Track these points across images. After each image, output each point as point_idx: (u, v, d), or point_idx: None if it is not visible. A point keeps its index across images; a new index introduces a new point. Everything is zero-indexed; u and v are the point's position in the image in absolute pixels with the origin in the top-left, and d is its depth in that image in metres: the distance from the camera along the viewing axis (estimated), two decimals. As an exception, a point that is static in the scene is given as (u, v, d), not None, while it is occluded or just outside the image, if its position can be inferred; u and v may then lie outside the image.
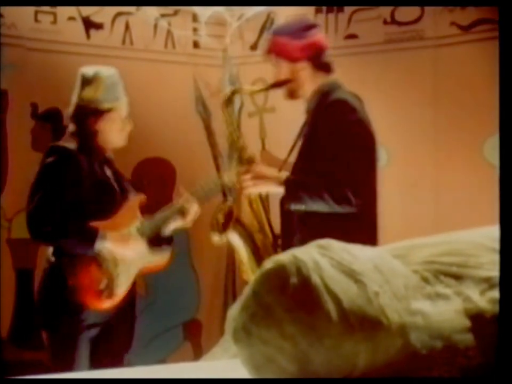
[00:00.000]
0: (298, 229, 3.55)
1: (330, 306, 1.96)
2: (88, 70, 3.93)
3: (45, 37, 5.40)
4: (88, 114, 3.87)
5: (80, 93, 3.90)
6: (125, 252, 3.83)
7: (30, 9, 5.34)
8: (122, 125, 3.95)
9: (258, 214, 3.69)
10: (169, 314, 5.78)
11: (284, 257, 2.06)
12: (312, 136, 3.60)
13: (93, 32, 5.58)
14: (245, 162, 3.65)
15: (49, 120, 5.41)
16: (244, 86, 3.89)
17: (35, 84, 5.33)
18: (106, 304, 3.81)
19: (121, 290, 3.85)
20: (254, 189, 3.62)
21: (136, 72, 5.66)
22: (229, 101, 3.73)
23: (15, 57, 5.24)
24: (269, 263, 2.06)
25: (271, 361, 1.98)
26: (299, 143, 3.69)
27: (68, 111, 3.95)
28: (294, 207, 3.55)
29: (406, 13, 5.51)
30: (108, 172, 3.93)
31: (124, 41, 5.69)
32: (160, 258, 3.96)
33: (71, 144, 3.86)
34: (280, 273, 2.01)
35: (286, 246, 3.45)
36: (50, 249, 3.85)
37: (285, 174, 3.61)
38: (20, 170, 5.26)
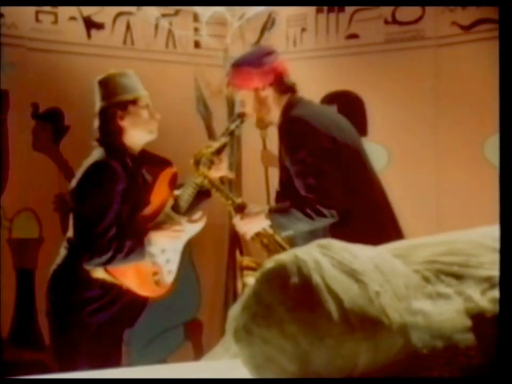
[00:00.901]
0: None
1: (331, 306, 1.96)
2: (103, 75, 3.91)
3: (46, 37, 5.40)
4: (111, 111, 3.80)
5: (101, 97, 3.85)
6: (169, 242, 3.85)
7: (31, 9, 5.34)
8: (149, 116, 3.88)
9: (272, 247, 3.73)
10: (170, 314, 5.77)
11: (284, 256, 2.06)
12: (280, 158, 3.70)
13: (94, 32, 5.58)
14: (237, 209, 3.74)
15: (49, 120, 5.41)
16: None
17: (36, 83, 5.33)
18: (161, 292, 3.88)
19: (172, 276, 3.91)
20: (250, 231, 3.70)
21: (137, 72, 5.64)
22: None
23: (16, 57, 5.24)
24: (269, 263, 2.06)
25: (271, 361, 1.98)
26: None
27: (95, 124, 3.87)
28: (284, 234, 3.66)
29: (406, 12, 5.51)
30: (143, 170, 3.91)
31: (125, 41, 5.69)
32: (198, 228, 3.95)
33: (101, 153, 3.80)
34: (281, 272, 2.01)
35: None
36: (64, 247, 3.83)
37: (267, 207, 3.74)
38: (21, 170, 5.26)
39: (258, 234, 3.70)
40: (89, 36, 5.56)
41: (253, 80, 3.69)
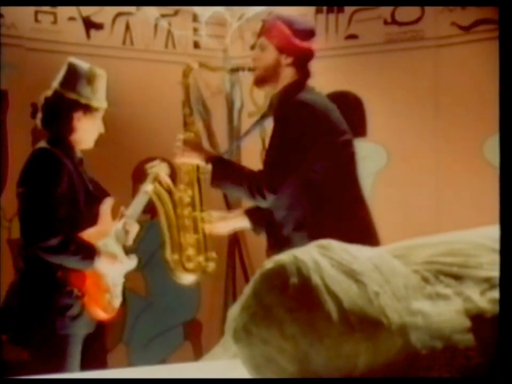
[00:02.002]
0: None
1: (331, 306, 1.96)
2: (82, 64, 3.79)
3: (45, 37, 5.40)
4: (74, 108, 3.73)
5: (66, 80, 3.74)
6: (116, 265, 3.77)
7: (30, 9, 5.34)
8: (98, 127, 3.82)
9: (191, 186, 3.70)
10: (169, 314, 5.78)
11: (284, 257, 2.06)
12: (273, 132, 3.60)
13: (93, 32, 5.58)
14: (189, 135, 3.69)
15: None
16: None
17: (35, 84, 5.32)
18: (110, 315, 3.75)
19: (118, 301, 3.78)
20: (180, 158, 3.65)
21: (137, 72, 5.66)
22: (188, 75, 3.77)
23: (15, 58, 5.24)
24: (269, 263, 2.06)
25: (271, 361, 1.98)
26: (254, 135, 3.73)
27: (45, 95, 3.78)
28: (216, 187, 3.61)
29: (406, 13, 5.51)
30: (84, 175, 3.81)
31: (124, 42, 5.69)
32: (132, 265, 3.86)
33: (43, 143, 3.74)
34: (280, 273, 2.01)
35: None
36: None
37: (215, 152, 3.65)
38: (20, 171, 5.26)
39: (185, 165, 3.67)
40: (88, 36, 5.56)
41: (287, 44, 3.60)
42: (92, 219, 3.76)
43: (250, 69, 3.72)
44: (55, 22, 5.44)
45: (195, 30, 5.78)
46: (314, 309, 1.96)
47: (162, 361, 5.56)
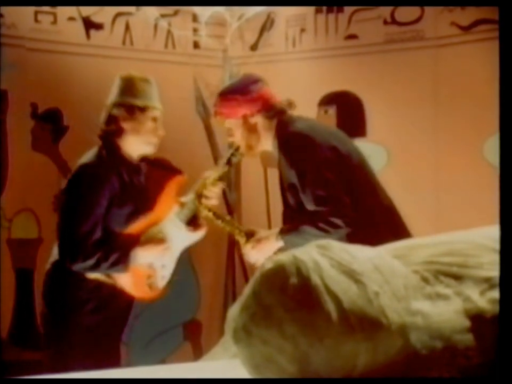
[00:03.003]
0: None
1: (330, 306, 1.96)
2: (124, 74, 3.87)
3: (45, 37, 5.40)
4: (120, 110, 3.77)
5: (116, 93, 3.81)
6: (161, 249, 3.84)
7: (30, 9, 5.34)
8: (154, 129, 3.83)
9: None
10: (169, 314, 5.77)
11: (283, 257, 2.06)
12: (284, 178, 3.67)
13: (93, 32, 5.57)
14: (247, 237, 3.74)
15: (49, 120, 5.41)
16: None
17: (35, 84, 5.32)
18: (152, 295, 3.86)
19: (164, 281, 3.89)
20: (262, 257, 3.66)
21: (137, 72, 5.65)
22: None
23: (15, 58, 5.24)
24: (268, 263, 2.06)
25: (271, 361, 1.98)
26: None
27: (102, 116, 3.84)
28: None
29: (406, 13, 5.51)
30: (141, 178, 3.86)
31: (124, 42, 5.69)
32: (198, 236, 3.95)
33: (94, 153, 3.78)
34: (280, 273, 2.01)
35: None
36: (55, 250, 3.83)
37: (277, 229, 3.70)
38: (20, 171, 5.26)
39: None
40: (88, 36, 5.56)
41: (241, 108, 3.69)
42: (143, 212, 3.81)
43: (237, 150, 3.79)
44: (55, 22, 5.44)
45: (195, 30, 5.78)
46: (314, 309, 1.96)
47: (162, 361, 5.56)
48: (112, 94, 3.84)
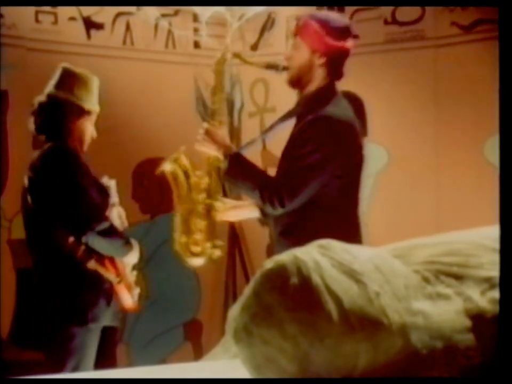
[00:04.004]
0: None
1: (331, 306, 1.96)
2: (75, 68, 3.84)
3: (46, 37, 5.40)
4: (69, 109, 3.76)
5: (61, 84, 3.79)
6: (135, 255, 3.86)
7: (31, 10, 5.34)
8: (92, 131, 3.84)
9: (209, 173, 3.68)
10: (169, 314, 5.78)
11: (284, 257, 2.06)
12: (293, 138, 3.55)
13: (93, 32, 5.58)
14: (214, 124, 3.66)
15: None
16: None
17: (35, 84, 5.31)
18: (133, 306, 3.86)
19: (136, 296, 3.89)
20: (201, 146, 3.61)
21: (137, 72, 5.66)
22: (223, 63, 3.71)
23: (16, 58, 5.24)
24: (269, 263, 2.06)
25: (271, 361, 1.98)
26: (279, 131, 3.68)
27: (38, 100, 3.81)
28: (228, 182, 3.58)
29: (406, 13, 5.51)
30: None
31: (124, 42, 5.69)
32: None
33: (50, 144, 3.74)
34: (280, 273, 2.01)
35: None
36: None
37: (234, 148, 3.62)
38: (20, 171, 5.25)
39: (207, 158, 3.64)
40: (88, 36, 5.56)
41: (321, 43, 3.53)
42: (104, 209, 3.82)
43: (284, 68, 3.63)
44: (55, 22, 5.44)
45: (195, 30, 5.78)
46: (315, 309, 1.96)
47: (162, 361, 5.56)
48: (58, 85, 3.80)
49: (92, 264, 3.67)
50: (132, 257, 3.83)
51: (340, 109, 3.55)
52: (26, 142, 5.34)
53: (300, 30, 3.61)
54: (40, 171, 3.73)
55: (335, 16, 3.73)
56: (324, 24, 3.56)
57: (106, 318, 3.76)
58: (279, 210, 3.42)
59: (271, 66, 3.68)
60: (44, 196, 3.72)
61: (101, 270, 3.69)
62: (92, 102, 3.81)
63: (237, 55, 3.78)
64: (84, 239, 3.64)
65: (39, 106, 3.79)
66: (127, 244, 3.78)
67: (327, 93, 3.57)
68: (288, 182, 3.42)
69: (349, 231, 3.42)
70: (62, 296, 3.69)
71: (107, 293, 3.73)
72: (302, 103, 3.60)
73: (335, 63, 3.60)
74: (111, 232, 3.71)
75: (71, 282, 3.69)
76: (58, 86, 3.80)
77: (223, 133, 3.65)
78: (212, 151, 3.60)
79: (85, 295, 3.69)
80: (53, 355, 3.73)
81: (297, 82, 3.60)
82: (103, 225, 3.67)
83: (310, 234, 3.13)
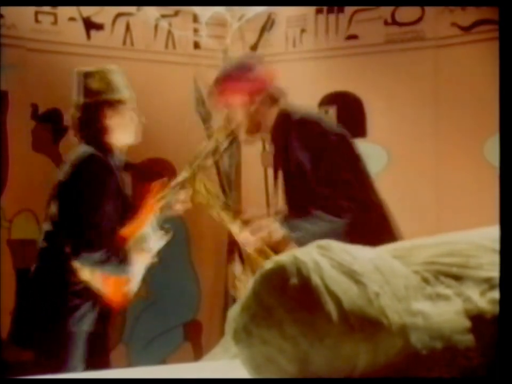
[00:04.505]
0: None
1: (331, 306, 1.96)
2: (86, 68, 3.84)
3: (46, 37, 5.40)
4: (98, 109, 3.74)
5: (85, 89, 3.78)
6: (142, 258, 3.84)
7: (31, 10, 5.34)
8: (133, 119, 3.82)
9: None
10: (169, 314, 5.78)
11: (284, 257, 2.06)
12: (288, 161, 3.64)
13: (93, 32, 5.57)
14: (242, 224, 3.69)
15: (49, 120, 5.41)
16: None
17: (35, 84, 5.32)
18: (123, 302, 3.86)
19: (135, 287, 3.87)
20: (260, 243, 3.63)
21: (137, 73, 5.64)
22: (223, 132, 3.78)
23: (16, 58, 5.24)
24: (269, 264, 2.06)
25: (271, 362, 1.98)
26: (280, 175, 3.74)
27: (71, 113, 3.83)
28: (296, 235, 3.56)
29: (406, 13, 5.51)
30: (123, 176, 3.86)
31: (124, 42, 5.69)
32: (164, 242, 3.92)
33: (88, 148, 3.73)
34: (280, 273, 2.01)
35: None
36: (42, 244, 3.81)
37: (280, 215, 3.67)
38: (20, 171, 5.26)
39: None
40: (88, 36, 5.56)
41: (244, 90, 3.65)
42: (130, 215, 3.81)
43: (232, 132, 3.76)
44: (55, 22, 5.44)
45: (195, 30, 5.77)
46: (315, 310, 1.96)
47: (162, 361, 5.56)
48: (83, 92, 3.79)
49: (84, 275, 3.68)
50: (135, 265, 3.81)
51: (304, 110, 3.70)
52: (26, 142, 5.34)
53: (221, 98, 3.73)
54: (72, 177, 3.73)
55: (233, 64, 3.85)
56: (233, 74, 3.69)
57: (91, 323, 3.75)
58: (354, 209, 3.48)
59: (229, 137, 3.78)
60: (67, 201, 3.74)
61: (93, 282, 3.71)
62: (117, 91, 3.78)
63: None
64: (78, 260, 3.65)
65: (73, 120, 3.78)
66: (126, 266, 3.74)
67: (281, 115, 3.67)
68: (336, 185, 3.50)
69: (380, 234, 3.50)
70: (51, 298, 3.69)
71: (93, 297, 3.72)
72: (273, 138, 3.69)
73: (269, 91, 3.69)
74: (107, 260, 3.68)
75: (60, 285, 3.69)
76: (78, 92, 3.80)
77: (261, 222, 3.67)
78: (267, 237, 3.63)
79: (71, 298, 3.69)
80: (43, 356, 3.73)
81: (252, 130, 3.72)
82: (99, 255, 3.65)
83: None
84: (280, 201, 3.79)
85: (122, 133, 3.81)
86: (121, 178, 3.84)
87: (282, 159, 3.70)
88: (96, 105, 3.76)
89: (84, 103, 3.79)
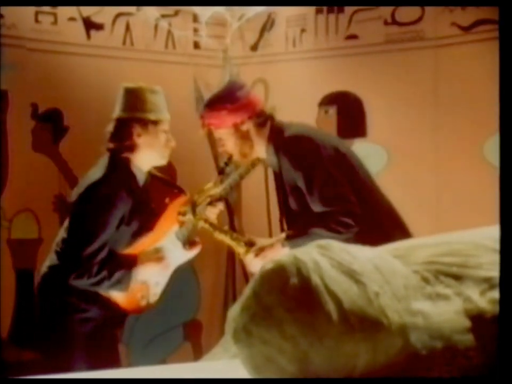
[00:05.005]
0: None
1: (331, 306, 1.96)
2: (131, 84, 3.83)
3: (46, 37, 5.40)
4: (130, 125, 3.74)
5: (124, 106, 3.78)
6: (156, 273, 3.85)
7: (31, 10, 5.33)
8: (165, 141, 3.82)
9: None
10: (169, 314, 5.77)
11: (284, 257, 2.06)
12: (283, 182, 3.65)
13: (93, 32, 5.57)
14: (248, 245, 3.71)
15: (49, 120, 5.41)
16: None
17: (35, 84, 5.32)
18: (141, 310, 3.91)
19: (155, 298, 3.93)
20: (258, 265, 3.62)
21: (137, 73, 5.65)
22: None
23: (16, 58, 5.24)
24: (269, 264, 2.06)
25: (271, 362, 1.98)
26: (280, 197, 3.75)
27: (108, 128, 3.81)
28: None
29: (406, 13, 5.51)
30: (147, 195, 3.86)
31: (124, 42, 5.69)
32: (192, 254, 3.97)
33: (105, 167, 3.74)
34: (280, 273, 2.01)
35: None
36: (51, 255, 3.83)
37: (282, 235, 3.67)
38: (20, 171, 5.26)
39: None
40: (88, 36, 5.56)
41: (231, 116, 3.65)
42: (147, 230, 3.83)
43: (229, 159, 3.76)
44: (55, 22, 5.44)
45: (195, 30, 5.77)
46: (314, 309, 1.96)
47: (162, 361, 5.56)
48: (120, 107, 3.80)
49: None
50: (148, 274, 3.83)
51: (292, 128, 3.67)
52: (26, 142, 5.34)
53: (207, 124, 3.75)
54: (77, 198, 3.75)
55: (220, 89, 3.85)
56: (218, 102, 3.69)
57: (99, 322, 3.76)
58: (354, 225, 3.48)
59: (222, 170, 3.79)
60: (72, 218, 3.77)
61: None
62: (154, 112, 3.77)
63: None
64: (71, 282, 3.68)
65: (109, 133, 3.79)
66: (122, 285, 3.74)
67: (274, 131, 3.67)
68: (334, 202, 3.51)
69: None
70: (58, 299, 3.71)
71: (100, 299, 3.74)
72: (270, 159, 3.71)
73: (258, 115, 3.70)
74: (97, 285, 3.70)
75: (67, 286, 3.71)
76: (119, 106, 3.80)
77: (261, 242, 3.70)
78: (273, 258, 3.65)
79: (78, 299, 3.72)
80: (49, 355, 3.75)
81: (245, 156, 3.74)
82: (84, 282, 3.67)
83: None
84: (284, 224, 3.80)
85: (150, 153, 3.80)
86: (139, 196, 3.82)
87: (279, 181, 3.70)
88: (129, 121, 3.75)
89: (118, 117, 3.78)
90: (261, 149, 3.71)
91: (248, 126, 3.67)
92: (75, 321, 3.71)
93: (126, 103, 3.78)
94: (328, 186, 3.51)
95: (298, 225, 3.62)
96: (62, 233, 3.84)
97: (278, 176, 3.73)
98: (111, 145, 3.78)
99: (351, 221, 3.47)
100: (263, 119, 3.70)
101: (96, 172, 3.76)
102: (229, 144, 3.71)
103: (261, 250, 3.64)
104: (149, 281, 3.85)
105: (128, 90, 3.80)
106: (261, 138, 3.69)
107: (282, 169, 3.63)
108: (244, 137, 3.68)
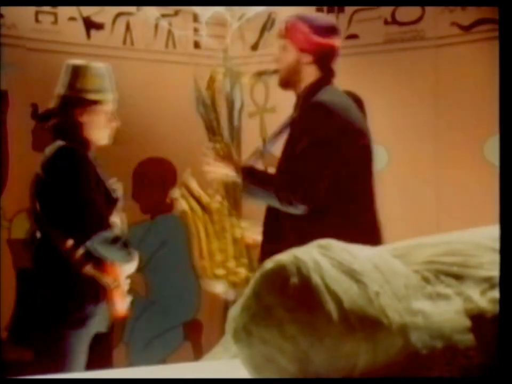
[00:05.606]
0: (288, 233, 3.52)
1: (331, 306, 1.96)
2: (76, 61, 3.83)
3: (46, 37, 5.40)
4: (73, 104, 3.74)
5: (67, 83, 3.78)
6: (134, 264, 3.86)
7: (31, 10, 5.34)
8: (108, 121, 3.81)
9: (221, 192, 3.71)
10: (169, 314, 5.78)
11: (284, 257, 2.06)
12: (291, 133, 3.59)
13: (93, 32, 5.58)
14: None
15: (49, 120, 5.40)
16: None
17: (36, 84, 5.32)
18: (122, 314, 3.86)
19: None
20: (212, 170, 3.65)
21: (137, 72, 5.66)
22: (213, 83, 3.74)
23: (16, 58, 5.24)
24: (269, 263, 2.06)
25: (271, 361, 1.98)
26: (283, 139, 3.68)
27: (51, 104, 3.83)
28: (246, 195, 3.60)
29: (406, 13, 5.52)
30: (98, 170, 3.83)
31: (124, 42, 5.70)
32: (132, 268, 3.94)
33: (61, 142, 3.75)
34: (280, 273, 2.01)
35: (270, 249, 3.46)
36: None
37: (243, 162, 3.65)
38: (21, 171, 5.26)
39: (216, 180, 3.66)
40: (88, 36, 5.56)
41: (306, 42, 3.57)
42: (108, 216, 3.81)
43: (274, 71, 3.68)
44: (55, 22, 5.44)
45: (195, 30, 5.78)
46: (315, 309, 1.96)
47: (162, 361, 5.56)
48: (62, 84, 3.79)
49: (88, 269, 3.66)
50: (131, 267, 3.83)
51: (331, 95, 3.57)
52: (26, 142, 5.34)
53: (287, 31, 3.65)
54: (48, 173, 3.75)
55: (321, 16, 3.80)
56: (310, 23, 3.61)
57: (96, 324, 3.75)
58: (301, 208, 3.41)
59: (262, 73, 3.72)
60: (49, 198, 3.73)
61: (99, 275, 3.68)
62: (99, 92, 3.78)
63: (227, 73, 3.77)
64: (87, 244, 3.63)
65: (50, 110, 3.79)
66: (129, 253, 3.77)
67: (318, 86, 3.58)
68: (298, 178, 3.42)
69: (363, 236, 3.43)
70: (54, 299, 3.69)
71: (97, 298, 3.72)
72: (297, 103, 3.63)
73: (323, 61, 3.61)
74: (115, 240, 3.70)
75: (63, 285, 3.69)
76: (62, 83, 3.80)
77: (228, 150, 3.66)
78: (221, 170, 3.62)
79: (75, 299, 3.69)
80: (43, 356, 3.74)
81: (287, 83, 3.66)
82: (109, 233, 3.67)
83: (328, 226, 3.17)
84: None
85: (96, 134, 3.81)
86: (102, 171, 3.83)
87: (290, 129, 3.62)
88: (72, 99, 3.75)
89: (63, 95, 3.78)
90: (301, 87, 3.61)
91: (310, 61, 3.58)
92: (73, 319, 3.70)
93: (70, 80, 3.78)
94: (310, 162, 3.42)
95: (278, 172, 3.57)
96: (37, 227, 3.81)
97: (289, 120, 3.66)
98: (56, 124, 3.81)
99: (298, 204, 3.40)
100: (326, 69, 3.60)
101: (54, 147, 3.78)
102: (285, 60, 3.61)
103: (219, 158, 3.65)
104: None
105: (75, 67, 3.80)
106: (310, 78, 3.59)
107: (294, 124, 3.57)
108: (299, 66, 3.59)
